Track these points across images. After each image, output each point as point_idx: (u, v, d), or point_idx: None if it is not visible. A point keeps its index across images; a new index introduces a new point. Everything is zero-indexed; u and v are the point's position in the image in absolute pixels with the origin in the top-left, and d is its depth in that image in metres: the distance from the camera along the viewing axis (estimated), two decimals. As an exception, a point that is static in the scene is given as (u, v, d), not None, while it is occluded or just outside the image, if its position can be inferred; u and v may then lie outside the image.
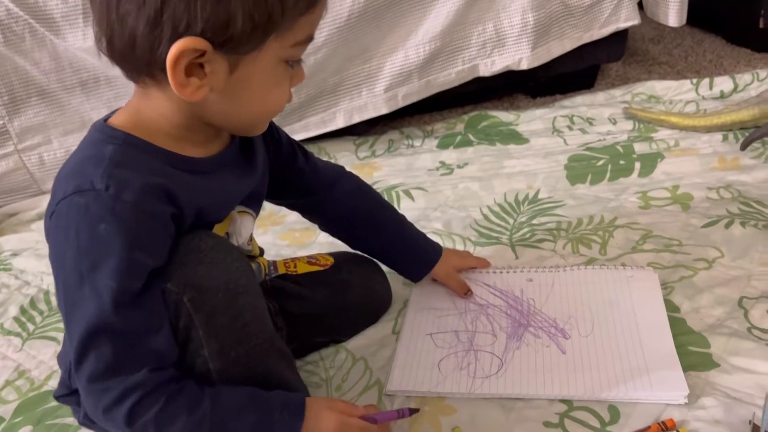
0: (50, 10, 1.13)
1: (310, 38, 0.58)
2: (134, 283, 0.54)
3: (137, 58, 0.54)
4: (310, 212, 0.85)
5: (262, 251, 0.79)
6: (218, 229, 0.65)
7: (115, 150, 0.55)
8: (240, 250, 0.67)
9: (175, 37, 0.51)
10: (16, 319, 0.97)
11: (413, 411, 0.67)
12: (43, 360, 0.89)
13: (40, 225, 1.23)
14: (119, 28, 0.53)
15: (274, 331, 0.63)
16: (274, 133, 0.74)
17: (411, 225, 0.87)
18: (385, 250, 0.86)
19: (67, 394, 0.69)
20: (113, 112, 0.61)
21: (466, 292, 0.86)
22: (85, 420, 0.69)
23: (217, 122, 0.60)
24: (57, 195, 0.55)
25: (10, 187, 1.25)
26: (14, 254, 1.15)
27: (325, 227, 0.86)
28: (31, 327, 0.96)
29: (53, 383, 0.84)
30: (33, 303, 1.00)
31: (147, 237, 0.54)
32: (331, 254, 0.87)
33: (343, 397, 0.74)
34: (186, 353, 0.57)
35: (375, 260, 0.87)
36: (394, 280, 0.90)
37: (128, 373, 0.54)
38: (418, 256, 0.87)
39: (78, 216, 0.53)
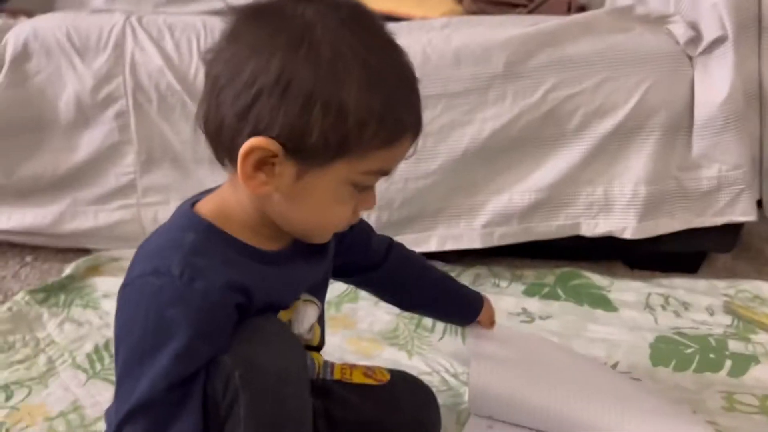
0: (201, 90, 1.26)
1: (384, 172, 0.62)
2: (189, 369, 0.56)
3: (221, 142, 0.59)
4: (365, 284, 0.88)
5: (322, 342, 0.80)
6: (282, 316, 0.67)
7: (195, 239, 0.60)
8: (300, 338, 0.68)
9: (254, 133, 0.56)
10: (88, 355, 1.03)
11: None
12: (100, 401, 0.92)
13: (136, 275, 1.31)
14: (215, 111, 0.59)
15: (311, 429, 0.63)
16: None
17: (453, 279, 0.93)
18: (437, 303, 0.91)
19: None
20: (201, 195, 0.66)
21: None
22: None
23: (278, 222, 0.63)
24: (135, 270, 0.59)
25: (122, 235, 1.36)
26: (105, 296, 1.22)
27: (378, 294, 0.90)
28: (98, 367, 1.00)
29: (102, 426, 0.86)
30: (107, 345, 1.06)
31: (212, 326, 0.57)
32: (389, 371, 0.87)
33: None
34: (224, 428, 0.58)
35: (430, 387, 0.87)
36: (446, 414, 0.88)
37: None
38: (467, 303, 0.92)
39: (150, 297, 0.57)
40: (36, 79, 1.29)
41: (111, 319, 1.12)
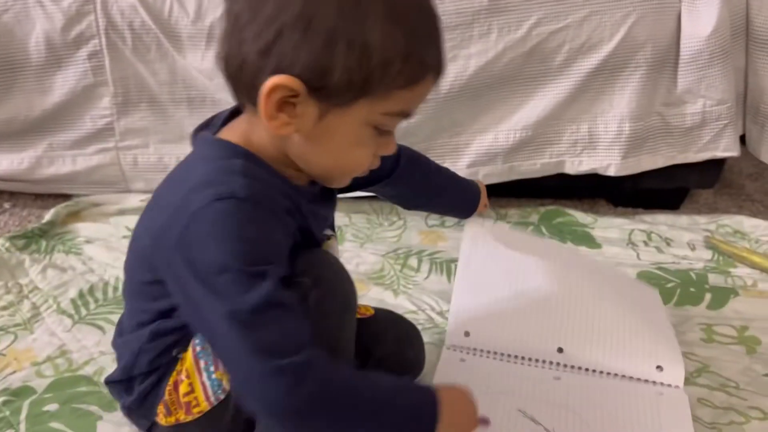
0: (179, 29, 1.23)
1: (405, 114, 0.61)
2: (280, 282, 0.56)
3: (243, 81, 0.58)
4: (373, 188, 0.86)
5: None
6: None
7: (244, 164, 0.59)
8: None
9: (277, 71, 0.55)
10: (72, 301, 1.02)
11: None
12: (86, 345, 0.92)
13: (118, 220, 1.30)
14: (236, 49, 0.57)
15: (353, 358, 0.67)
16: None
17: (447, 169, 0.93)
18: (441, 195, 0.92)
19: (121, 380, 0.70)
20: (216, 128, 0.65)
21: None
22: (127, 409, 0.72)
23: (298, 162, 0.63)
24: (190, 207, 0.57)
25: (102, 179, 1.34)
26: (88, 241, 1.21)
27: (385, 196, 0.90)
28: (83, 312, 1.00)
29: (90, 369, 0.87)
30: (92, 290, 1.05)
31: (282, 245, 0.59)
32: (374, 307, 0.88)
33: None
34: None
35: (414, 324, 0.88)
36: (431, 350, 0.89)
37: (295, 353, 0.54)
38: (468, 188, 0.94)
39: (225, 220, 0.56)
40: (2, 18, 1.24)
41: (94, 264, 1.13)
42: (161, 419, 0.68)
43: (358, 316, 0.84)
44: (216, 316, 0.55)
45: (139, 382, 0.68)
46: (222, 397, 0.66)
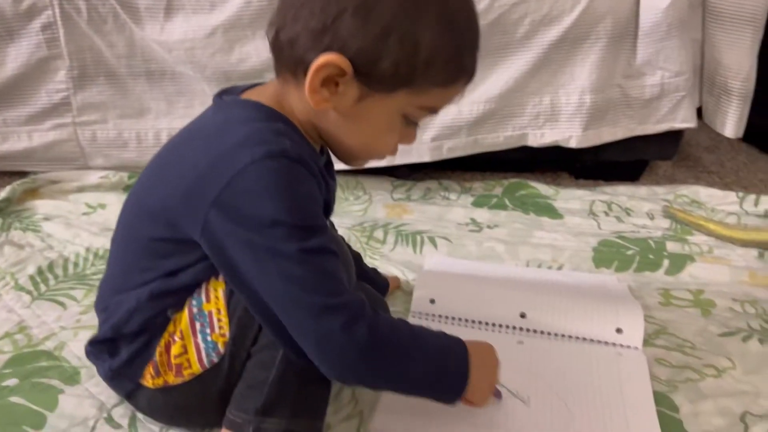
0: (137, 0, 1.20)
1: (434, 110, 0.65)
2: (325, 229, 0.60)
3: (291, 54, 0.61)
4: None
5: None
6: None
7: (284, 128, 0.62)
8: None
9: (329, 50, 0.58)
10: (31, 277, 1.00)
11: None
12: (46, 321, 0.91)
13: (77, 197, 1.27)
14: (291, 24, 0.60)
15: None
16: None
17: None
18: None
19: (108, 339, 0.69)
20: (237, 90, 0.67)
21: None
22: (112, 371, 0.70)
23: (326, 137, 0.66)
24: (236, 163, 0.58)
25: (59, 156, 1.30)
26: (46, 218, 1.18)
27: None
28: (43, 288, 0.98)
29: (50, 344, 0.86)
30: (51, 266, 1.03)
31: (320, 203, 0.62)
32: None
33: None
34: None
35: (381, 297, 0.90)
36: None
37: (348, 293, 0.59)
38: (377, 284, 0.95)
39: (277, 177, 0.58)
40: (-51, -12, 1.19)
41: (53, 241, 1.11)
42: (148, 381, 0.68)
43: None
44: (269, 265, 0.57)
45: (128, 342, 0.67)
46: (216, 360, 0.65)
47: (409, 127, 0.66)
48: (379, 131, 0.64)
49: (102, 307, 0.71)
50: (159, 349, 0.66)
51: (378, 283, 0.95)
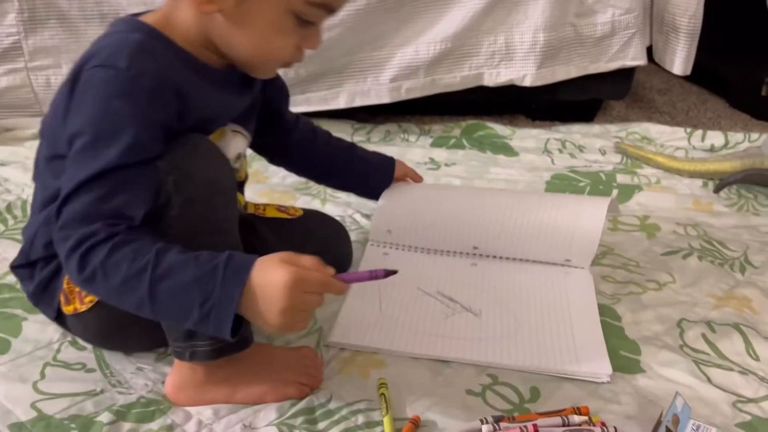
0: (85, -61, 1.17)
1: (327, 6, 0.62)
2: (132, 157, 0.58)
3: None
4: (278, 155, 0.90)
5: (245, 178, 0.82)
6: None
7: (141, 38, 0.61)
8: None
9: None
10: (-11, 218, 1.00)
11: (389, 273, 0.61)
12: (7, 258, 0.90)
13: (33, 144, 1.24)
14: None
15: (239, 242, 0.65)
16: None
17: (362, 148, 0.94)
18: (350, 168, 0.92)
19: (22, 265, 0.71)
20: (142, 13, 0.66)
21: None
22: (32, 297, 0.72)
23: (221, 46, 0.64)
24: (78, 65, 0.60)
25: (13, 102, 1.28)
26: (2, 164, 1.18)
27: (294, 167, 0.92)
28: (2, 228, 0.98)
29: (12, 279, 0.86)
30: (9, 208, 1.03)
31: (153, 122, 0.59)
32: (303, 209, 0.90)
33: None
34: (155, 232, 0.59)
35: (341, 223, 0.91)
36: (358, 249, 0.93)
37: (88, 224, 0.56)
38: (379, 165, 0.94)
39: (98, 87, 0.58)
40: None
41: (10, 185, 1.11)
42: (64, 308, 0.69)
43: (287, 217, 0.87)
44: (66, 177, 0.58)
45: (40, 268, 0.69)
46: None
47: (307, 28, 0.63)
48: (269, 32, 0.62)
49: (23, 233, 0.73)
50: (65, 277, 0.67)
51: (379, 167, 0.93)
